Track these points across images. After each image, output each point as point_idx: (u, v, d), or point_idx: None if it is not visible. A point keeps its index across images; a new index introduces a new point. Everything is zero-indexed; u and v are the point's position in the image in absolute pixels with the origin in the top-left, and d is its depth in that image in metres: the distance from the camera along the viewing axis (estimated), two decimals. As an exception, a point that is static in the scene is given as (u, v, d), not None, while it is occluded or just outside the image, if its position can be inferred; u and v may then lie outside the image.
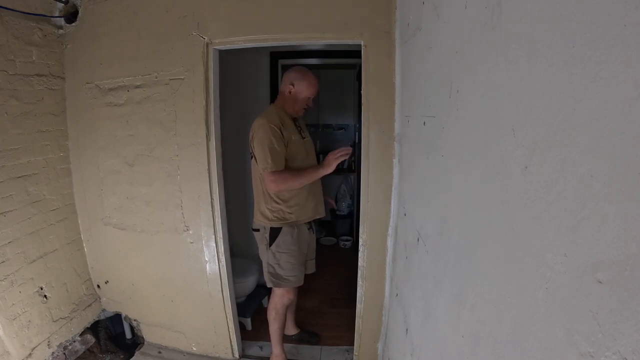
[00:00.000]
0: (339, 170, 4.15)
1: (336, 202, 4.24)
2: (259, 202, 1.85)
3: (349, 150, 1.69)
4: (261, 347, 2.27)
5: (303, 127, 1.94)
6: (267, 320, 2.03)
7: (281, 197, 1.79)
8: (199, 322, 2.14)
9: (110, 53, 1.92)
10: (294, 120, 1.87)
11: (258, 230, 1.88)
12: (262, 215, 1.83)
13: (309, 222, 1.94)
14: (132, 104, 1.93)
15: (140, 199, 2.04)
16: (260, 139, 1.67)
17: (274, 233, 1.82)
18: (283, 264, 1.85)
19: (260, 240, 1.88)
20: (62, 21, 1.94)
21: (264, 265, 1.90)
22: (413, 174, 1.37)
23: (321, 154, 2.56)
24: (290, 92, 1.81)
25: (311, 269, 2.07)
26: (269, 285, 1.91)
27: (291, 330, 2.32)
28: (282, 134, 1.72)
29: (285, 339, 2.13)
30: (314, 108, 1.84)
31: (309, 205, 1.87)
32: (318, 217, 1.95)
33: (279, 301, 1.95)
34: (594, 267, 0.38)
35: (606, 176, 0.36)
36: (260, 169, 1.70)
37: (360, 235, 1.90)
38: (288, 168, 1.74)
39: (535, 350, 0.48)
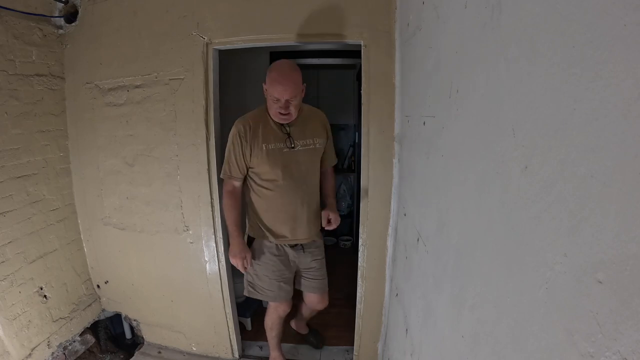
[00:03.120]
0: (338, 170, 4.19)
1: (336, 202, 4.22)
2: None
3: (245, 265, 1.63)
4: (261, 347, 2.27)
5: (298, 135, 1.60)
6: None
7: (256, 207, 1.67)
8: (198, 322, 2.14)
9: (110, 53, 1.92)
10: (283, 125, 1.59)
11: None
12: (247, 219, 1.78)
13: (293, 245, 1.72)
14: (132, 104, 1.93)
15: (140, 199, 2.04)
16: (228, 140, 1.62)
17: (250, 241, 1.74)
18: (260, 275, 1.74)
19: None
20: (62, 21, 1.94)
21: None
22: (413, 174, 1.36)
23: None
24: (264, 91, 1.55)
25: (313, 290, 1.84)
26: (244, 292, 1.81)
27: (302, 329, 2.31)
28: (245, 139, 1.55)
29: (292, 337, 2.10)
30: (287, 113, 1.51)
31: (282, 227, 1.64)
32: (297, 242, 1.71)
33: (273, 313, 1.88)
34: (594, 267, 0.38)
35: (606, 176, 0.36)
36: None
37: (360, 235, 1.90)
38: (249, 180, 1.64)
39: (535, 350, 0.48)
